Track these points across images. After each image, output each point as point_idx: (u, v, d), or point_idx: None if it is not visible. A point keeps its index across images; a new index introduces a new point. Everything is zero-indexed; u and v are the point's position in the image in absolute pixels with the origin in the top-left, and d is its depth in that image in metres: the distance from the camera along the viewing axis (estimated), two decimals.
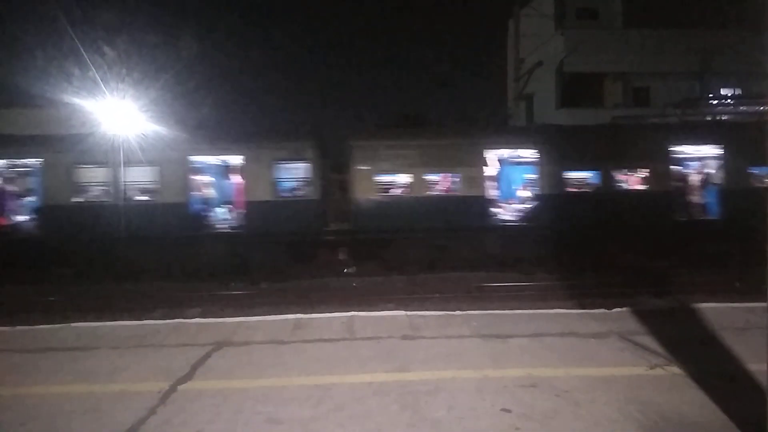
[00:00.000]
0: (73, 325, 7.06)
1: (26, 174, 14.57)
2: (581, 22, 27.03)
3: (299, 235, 13.66)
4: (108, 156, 13.33)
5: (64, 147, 13.49)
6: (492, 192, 14.45)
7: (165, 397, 4.49)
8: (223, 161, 14.96)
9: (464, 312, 7.36)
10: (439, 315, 7.13)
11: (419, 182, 13.81)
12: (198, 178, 14.34)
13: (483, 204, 13.96)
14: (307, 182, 13.70)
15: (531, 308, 7.95)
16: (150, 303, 11.10)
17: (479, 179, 13.88)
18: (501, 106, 30.38)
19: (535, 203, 14.19)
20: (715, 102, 18.35)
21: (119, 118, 14.44)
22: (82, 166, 13.43)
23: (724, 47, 23.93)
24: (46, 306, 10.91)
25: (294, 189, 13.88)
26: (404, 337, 6.05)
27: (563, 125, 16.11)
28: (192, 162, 13.76)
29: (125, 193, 13.53)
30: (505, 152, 14.76)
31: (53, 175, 13.34)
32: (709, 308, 7.07)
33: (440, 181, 14.17)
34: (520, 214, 14.59)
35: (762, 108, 16.82)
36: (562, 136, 14.71)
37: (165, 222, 13.35)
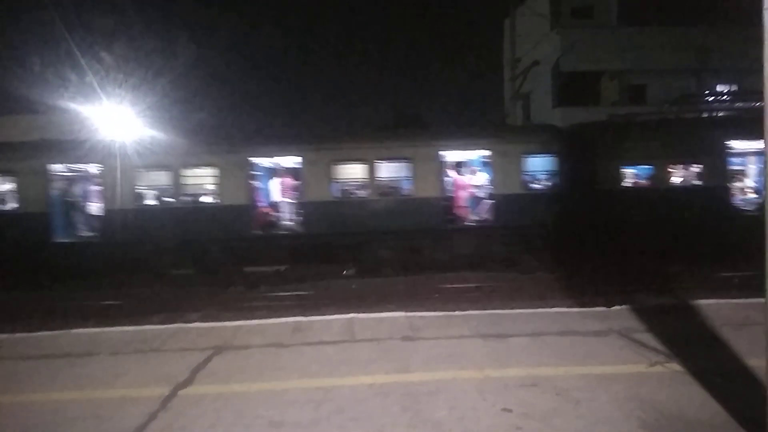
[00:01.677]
0: (72, 331, 7.06)
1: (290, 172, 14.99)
2: (577, 21, 27.05)
3: (545, 227, 13.67)
4: (362, 153, 13.56)
5: (324, 145, 13.70)
6: (732, 182, 14.44)
7: (166, 402, 4.49)
8: (466, 156, 15.03)
9: (464, 312, 7.37)
10: (438, 316, 7.14)
11: (661, 173, 13.89)
12: (446, 173, 14.50)
13: (725, 194, 13.95)
14: (553, 175, 13.81)
15: (530, 307, 7.96)
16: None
17: (721, 169, 13.90)
18: (497, 105, 30.36)
19: None
20: (712, 99, 18.37)
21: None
22: (339, 163, 13.59)
23: (720, 44, 23.97)
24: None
25: (540, 181, 14.06)
26: (404, 338, 6.05)
27: None
28: (443, 158, 13.92)
29: (378, 189, 13.68)
30: (743, 142, 14.63)
31: (312, 173, 13.51)
32: (708, 304, 7.09)
33: (682, 172, 14.19)
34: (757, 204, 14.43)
35: (758, 104, 16.84)
36: None
37: (417, 217, 13.53)
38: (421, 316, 7.10)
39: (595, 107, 24.61)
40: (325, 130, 14.03)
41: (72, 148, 13.54)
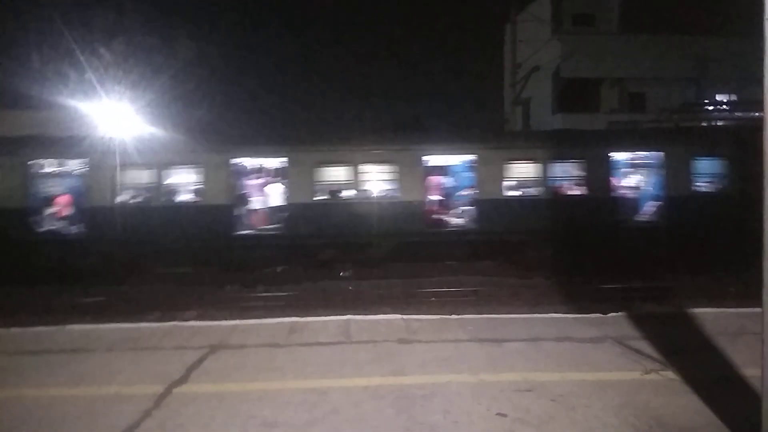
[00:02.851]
0: (68, 327, 7.03)
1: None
2: (578, 28, 27.15)
3: (714, 229, 13.59)
4: (536, 153, 13.84)
5: (499, 144, 14.06)
6: None
7: (160, 400, 4.48)
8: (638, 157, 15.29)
9: (460, 316, 7.36)
10: (434, 319, 7.13)
11: None
12: (617, 173, 14.73)
13: None
14: (723, 177, 13.91)
15: (526, 312, 7.98)
16: None
17: None
18: (497, 110, 30.41)
19: None
20: (711, 108, 18.42)
21: None
22: (511, 162, 13.86)
23: (720, 53, 24.08)
24: None
25: (711, 183, 14.13)
26: (400, 341, 6.04)
27: None
28: (612, 158, 14.13)
29: (551, 188, 13.90)
30: None
31: (485, 171, 13.77)
32: (704, 313, 7.09)
33: None
34: None
35: (757, 114, 16.89)
36: None
37: (588, 215, 13.71)
38: (417, 319, 7.09)
39: (594, 114, 24.69)
40: (497, 132, 16.88)
41: (256, 143, 14.24)
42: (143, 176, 13.30)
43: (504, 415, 4.09)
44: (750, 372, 4.72)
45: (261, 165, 14.64)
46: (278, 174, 14.65)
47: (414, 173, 13.58)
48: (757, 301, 3.22)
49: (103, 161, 12.96)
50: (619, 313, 7.16)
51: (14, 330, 6.91)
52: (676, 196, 13.75)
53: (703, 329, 6.37)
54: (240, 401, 4.42)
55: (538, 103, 28.13)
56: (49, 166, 13.72)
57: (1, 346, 6.09)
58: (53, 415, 4.24)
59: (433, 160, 14.31)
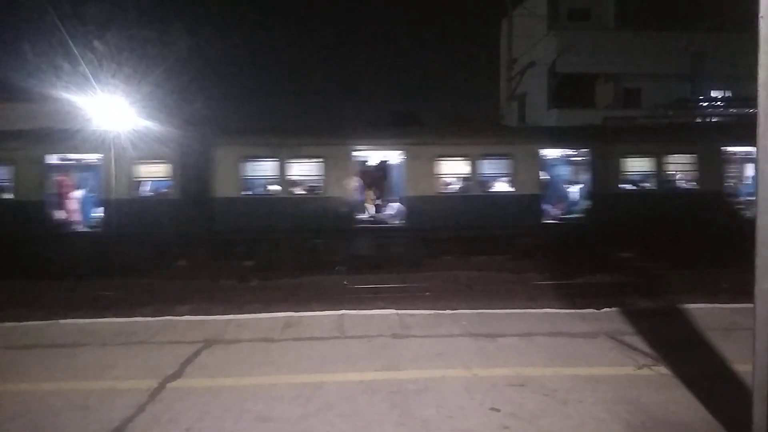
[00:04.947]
0: (62, 321, 7.01)
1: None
2: (574, 23, 27.12)
3: None
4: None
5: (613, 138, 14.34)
6: None
7: (154, 394, 4.48)
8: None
9: (454, 311, 7.37)
10: (429, 314, 7.15)
11: None
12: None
13: None
14: None
15: (520, 307, 8.01)
16: None
17: None
18: (493, 105, 30.34)
19: None
20: (706, 104, 18.43)
21: None
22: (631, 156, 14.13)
23: (715, 50, 24.10)
24: None
25: None
26: (394, 336, 6.06)
27: None
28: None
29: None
30: None
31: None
32: (696, 309, 7.13)
33: None
34: None
35: (751, 110, 16.91)
36: None
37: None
38: (411, 314, 7.10)
39: (589, 110, 24.69)
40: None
41: (562, 134, 14.91)
42: (456, 167, 13.83)
43: (497, 410, 4.11)
44: (741, 367, 4.75)
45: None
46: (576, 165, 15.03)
47: (714, 164, 13.72)
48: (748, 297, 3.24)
49: (422, 152, 13.58)
50: (613, 309, 7.19)
51: (8, 324, 6.89)
52: None
53: (695, 324, 6.40)
54: (234, 396, 4.43)
55: (534, 99, 28.08)
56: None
57: None
58: (48, 409, 4.23)
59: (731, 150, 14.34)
